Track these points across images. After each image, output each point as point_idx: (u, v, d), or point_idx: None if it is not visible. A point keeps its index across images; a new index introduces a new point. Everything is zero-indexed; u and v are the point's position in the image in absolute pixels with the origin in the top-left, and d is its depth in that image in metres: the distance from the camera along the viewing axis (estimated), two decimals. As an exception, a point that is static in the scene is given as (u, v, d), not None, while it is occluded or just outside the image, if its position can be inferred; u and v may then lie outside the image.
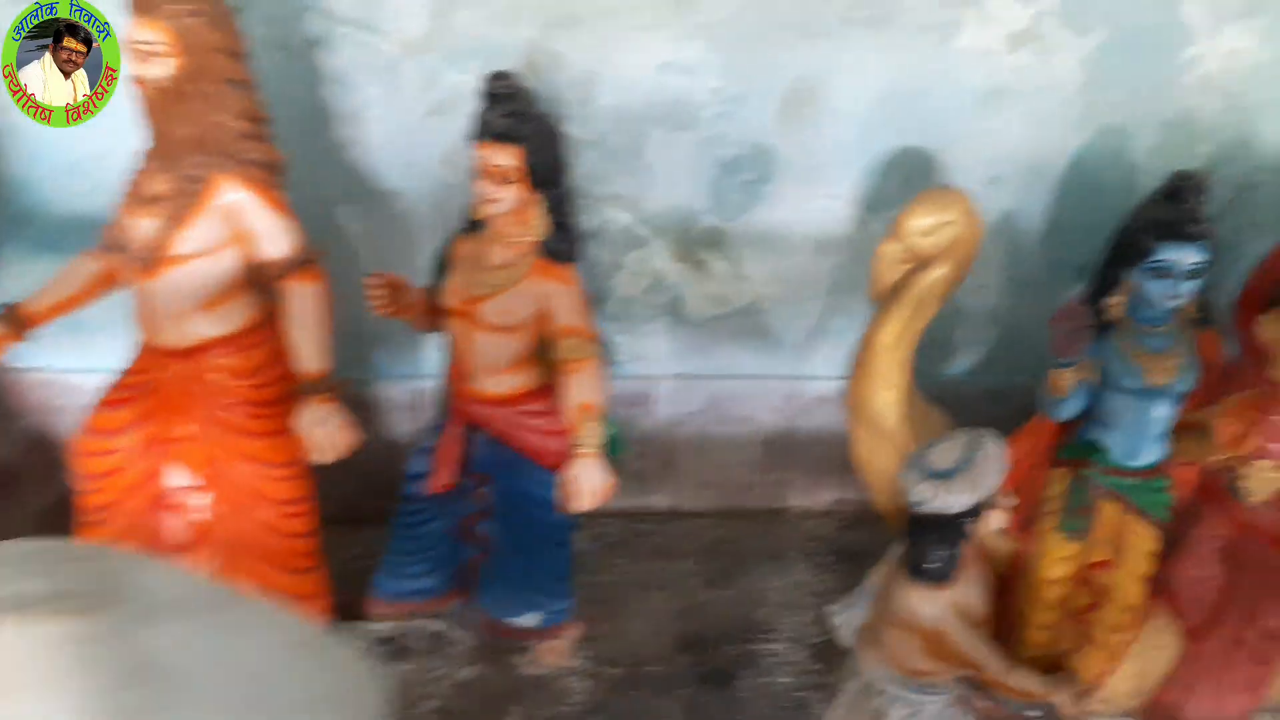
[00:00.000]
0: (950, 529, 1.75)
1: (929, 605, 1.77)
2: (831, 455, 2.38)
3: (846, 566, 2.39)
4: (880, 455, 2.03)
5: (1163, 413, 1.92)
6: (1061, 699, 1.89)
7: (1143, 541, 1.95)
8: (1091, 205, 2.38)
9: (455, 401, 1.91)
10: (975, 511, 1.73)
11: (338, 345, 2.25)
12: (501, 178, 1.68)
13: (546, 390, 1.89)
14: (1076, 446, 2.00)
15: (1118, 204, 2.35)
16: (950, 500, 1.71)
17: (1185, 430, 1.97)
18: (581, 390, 1.81)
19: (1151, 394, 1.90)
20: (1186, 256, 1.79)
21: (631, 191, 2.20)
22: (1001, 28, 2.14)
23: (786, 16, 2.06)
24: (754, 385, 2.47)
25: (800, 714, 2.01)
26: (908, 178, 2.29)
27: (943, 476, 1.71)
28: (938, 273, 1.90)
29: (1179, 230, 1.78)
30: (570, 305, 1.79)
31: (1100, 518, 1.97)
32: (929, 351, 2.52)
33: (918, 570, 1.78)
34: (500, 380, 1.86)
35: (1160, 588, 2.01)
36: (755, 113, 2.16)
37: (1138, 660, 2.03)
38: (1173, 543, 2.03)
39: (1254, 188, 2.42)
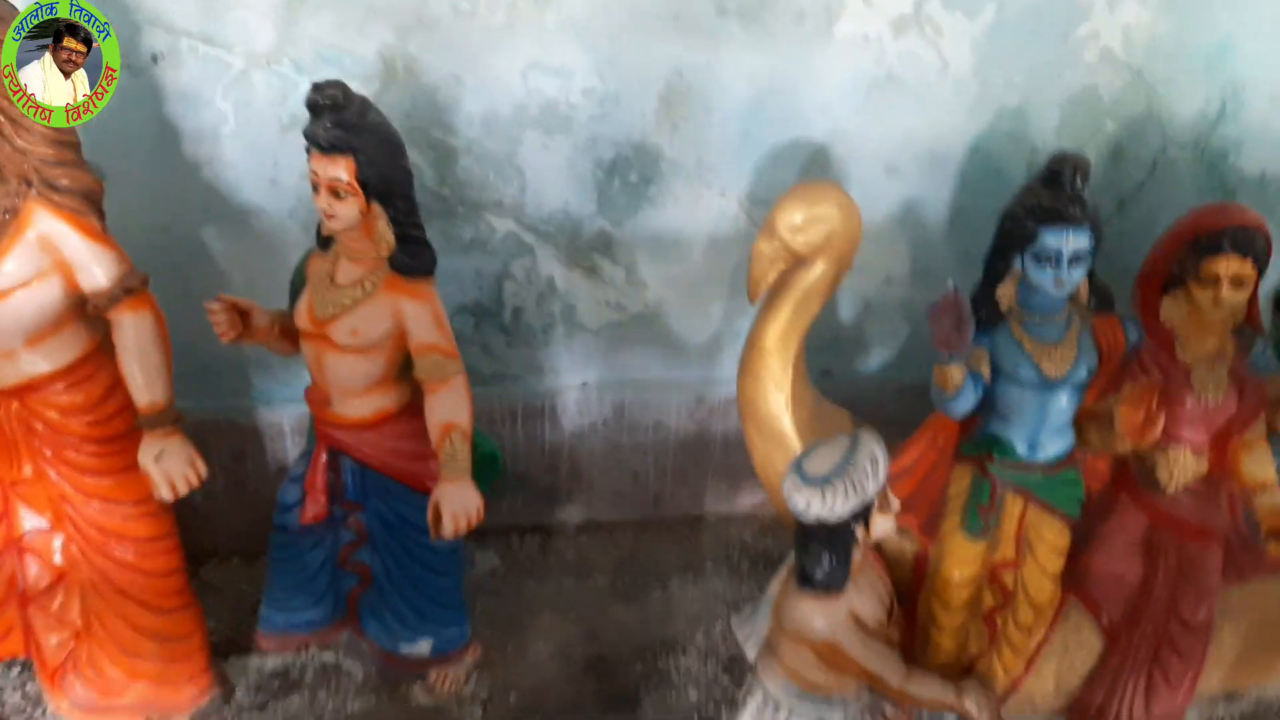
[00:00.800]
0: (836, 536, 1.66)
1: (819, 616, 1.69)
2: (748, 459, 2.31)
3: (765, 573, 2.30)
4: (775, 459, 1.95)
5: (1062, 404, 1.85)
6: (969, 706, 1.81)
7: (1051, 537, 1.87)
8: (995, 191, 2.28)
9: (318, 427, 1.83)
10: (860, 516, 1.65)
11: (221, 372, 2.18)
12: (335, 191, 1.60)
13: (413, 410, 1.81)
14: (978, 442, 1.92)
15: (1018, 183, 2.28)
16: (830, 507, 1.63)
17: (1090, 420, 1.90)
18: (444, 410, 1.73)
19: (1048, 385, 1.83)
20: (1069, 241, 1.71)
21: (512, 198, 2.12)
22: (883, 14, 2.06)
23: (656, 10, 1.98)
24: (662, 391, 2.40)
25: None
26: (801, 172, 2.21)
27: (821, 483, 1.63)
28: (817, 270, 1.82)
29: (1059, 214, 1.71)
30: (426, 321, 1.71)
31: (1005, 514, 1.89)
32: (839, 349, 2.47)
33: (806, 580, 1.70)
34: (360, 403, 1.78)
35: (1075, 584, 1.93)
36: (632, 112, 2.08)
37: (1056, 660, 1.95)
38: (1087, 537, 1.95)
39: (1169, 164, 2.35)
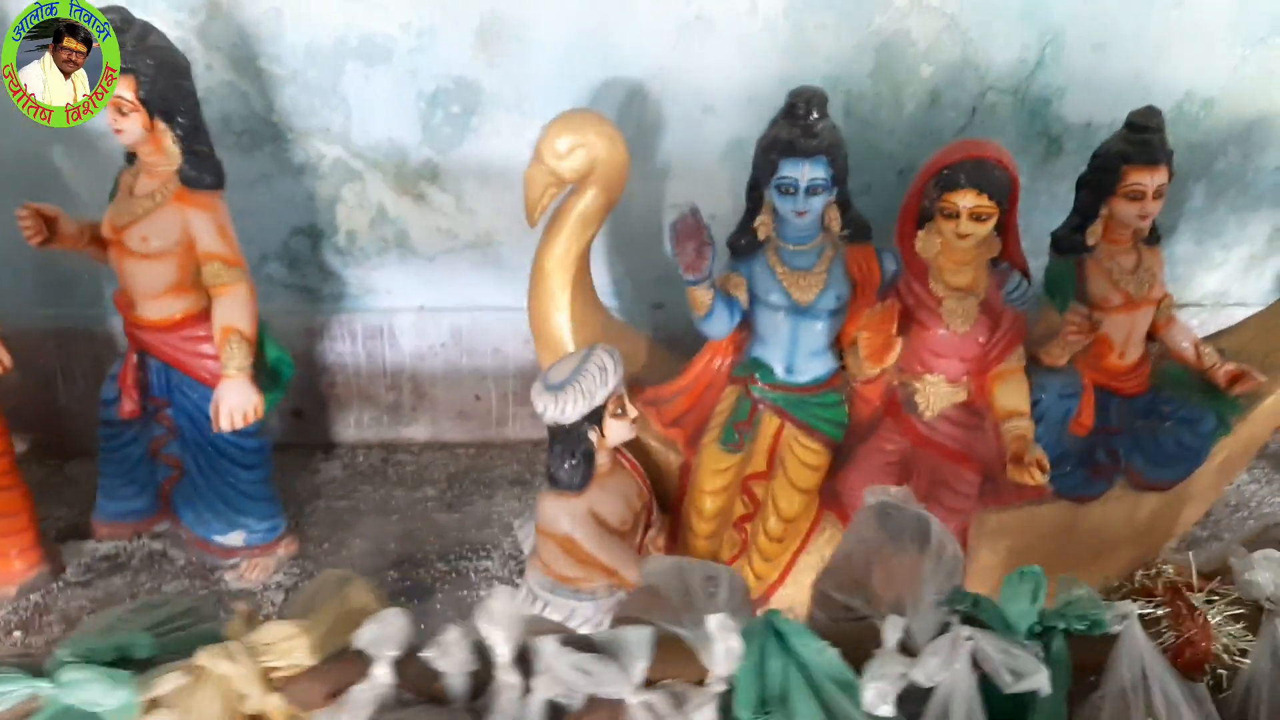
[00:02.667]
0: (572, 438, 1.80)
1: (562, 512, 1.83)
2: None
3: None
4: (561, 377, 2.07)
5: (815, 329, 1.96)
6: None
7: (803, 454, 1.98)
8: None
9: (127, 329, 2.00)
10: (592, 420, 1.78)
11: (80, 283, 2.36)
12: (119, 107, 1.74)
13: (210, 314, 1.96)
14: (745, 364, 2.04)
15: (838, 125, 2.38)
16: (561, 410, 1.76)
17: (849, 346, 2.01)
18: (225, 314, 1.89)
19: (798, 310, 1.94)
20: (805, 171, 1.81)
21: (339, 125, 2.26)
22: (687, -46, 2.16)
23: (466, -54, 2.10)
24: (499, 317, 2.53)
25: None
26: (619, 108, 2.32)
27: (555, 388, 1.77)
28: (587, 197, 1.93)
29: (795, 146, 1.80)
30: (209, 230, 1.86)
31: (761, 431, 2.01)
32: (672, 283, 2.57)
33: (551, 479, 1.85)
34: (159, 305, 1.94)
35: (831, 499, 2.05)
36: (450, 45, 2.20)
37: (813, 572, 2.07)
38: (849, 457, 2.07)
39: (989, 110, 2.42)
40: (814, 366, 2.00)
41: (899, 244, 1.99)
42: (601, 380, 1.76)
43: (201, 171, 1.84)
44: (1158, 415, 2.17)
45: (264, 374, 1.99)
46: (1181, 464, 2.16)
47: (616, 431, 1.81)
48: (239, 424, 1.88)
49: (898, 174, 2.44)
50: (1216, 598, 1.12)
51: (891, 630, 0.96)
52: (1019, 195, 1.91)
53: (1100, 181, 2.00)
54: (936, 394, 2.02)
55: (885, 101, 2.38)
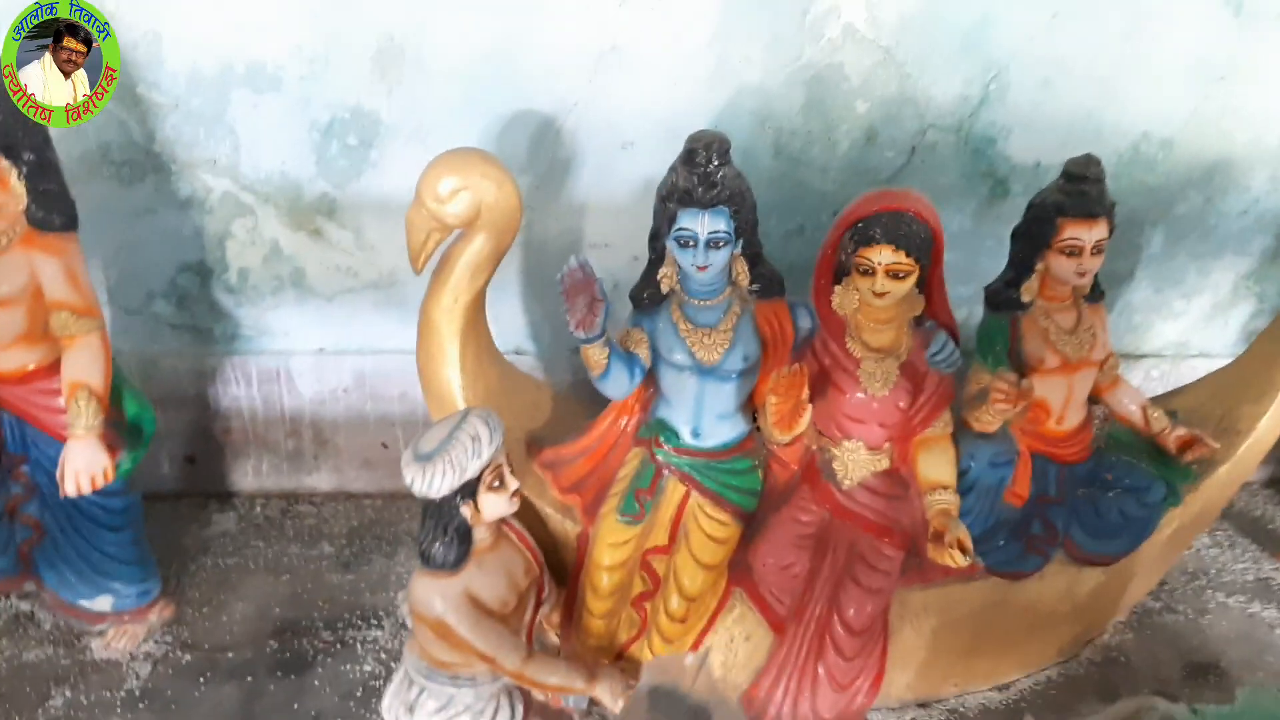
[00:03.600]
0: (443, 513, 1.64)
1: (433, 594, 1.67)
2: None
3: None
4: (454, 436, 1.91)
5: (722, 391, 1.80)
6: (602, 693, 1.78)
7: (709, 526, 1.83)
8: (743, 166, 2.19)
9: (-24, 379, 1.84)
10: (465, 495, 1.62)
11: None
12: (-43, 147, 1.59)
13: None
14: (650, 425, 1.88)
15: (767, 166, 2.24)
16: (429, 484, 1.60)
17: (761, 409, 1.85)
18: (72, 368, 1.73)
19: (702, 370, 1.78)
20: (704, 223, 1.66)
21: (226, 157, 2.10)
22: (601, -20, 2.00)
23: (360, -34, 1.95)
24: (405, 361, 2.30)
25: (364, 704, 1.92)
26: (531, 142, 2.17)
27: (422, 460, 1.61)
28: (476, 243, 1.77)
29: (692, 196, 1.65)
30: (57, 276, 1.71)
31: (664, 500, 1.85)
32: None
33: (423, 557, 1.69)
34: (8, 357, 1.78)
35: (740, 575, 1.89)
36: (345, 73, 2.04)
37: (722, 652, 1.91)
38: (761, 527, 1.91)
39: (929, 149, 2.27)
40: (723, 430, 1.84)
41: (815, 300, 1.84)
42: (474, 451, 1.60)
43: (50, 212, 1.69)
44: (1100, 484, 2.01)
45: (124, 431, 1.83)
46: (1125, 536, 2.01)
47: (493, 507, 1.65)
48: (85, 489, 1.73)
49: (831, 215, 2.23)
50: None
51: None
52: (943, 250, 1.76)
53: (1035, 234, 1.84)
54: (855, 461, 1.86)
55: (818, 139, 2.23)
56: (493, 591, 1.70)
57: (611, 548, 1.83)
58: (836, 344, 1.82)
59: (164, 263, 2.20)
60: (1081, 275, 1.83)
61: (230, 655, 2.01)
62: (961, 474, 1.89)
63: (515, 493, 1.66)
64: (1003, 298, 1.91)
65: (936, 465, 1.83)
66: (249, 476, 2.44)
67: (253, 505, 2.43)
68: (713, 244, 1.67)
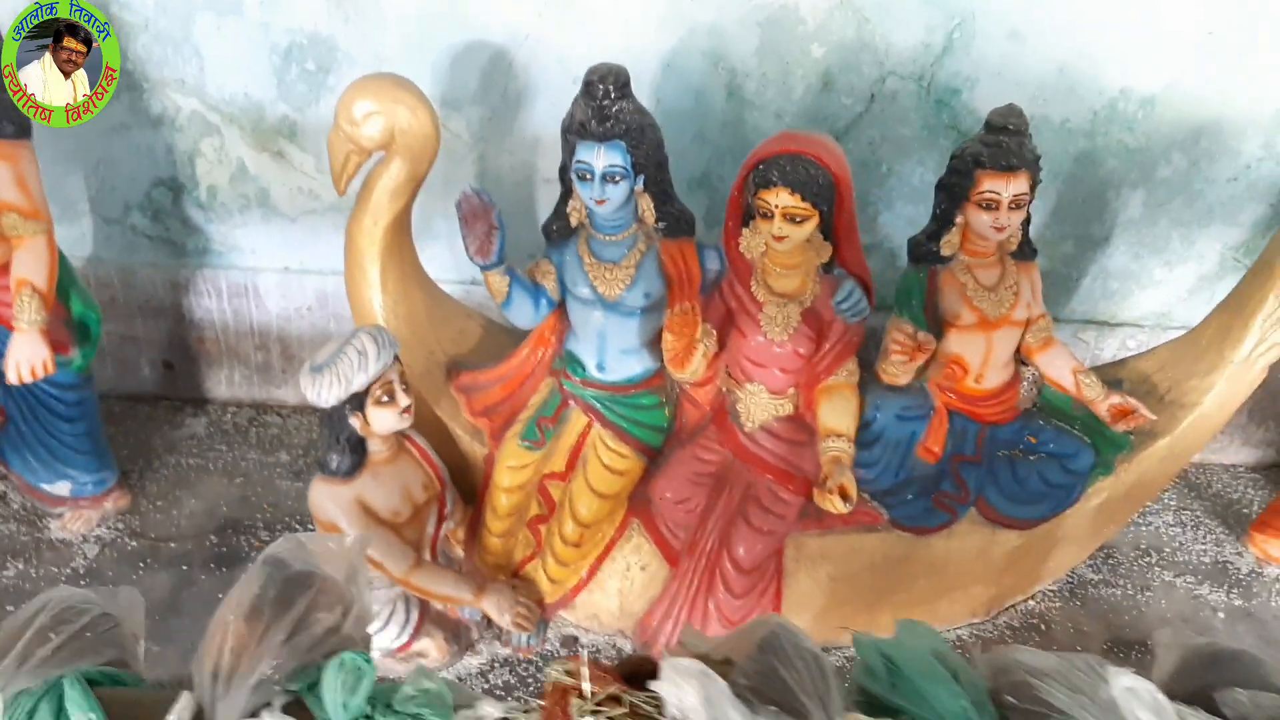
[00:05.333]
0: (335, 423, 1.73)
1: (326, 498, 1.77)
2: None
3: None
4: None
5: (625, 326, 1.83)
6: (488, 606, 1.86)
7: (608, 457, 1.87)
8: (695, 113, 2.24)
9: (-54, 275, 1.99)
10: (353, 406, 1.70)
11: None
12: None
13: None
14: (562, 356, 1.93)
15: (720, 109, 2.23)
16: (317, 394, 1.69)
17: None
18: (20, 267, 1.86)
19: (605, 305, 1.82)
20: (599, 157, 1.68)
21: (193, 77, 2.20)
22: (548, -85, 2.01)
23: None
24: (368, 284, 2.45)
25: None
26: (482, 74, 2.20)
27: (312, 371, 1.69)
28: (393, 168, 1.83)
29: (587, 129, 1.67)
30: (7, 180, 1.82)
31: (567, 429, 1.90)
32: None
33: (319, 463, 1.78)
34: (-31, 254, 1.92)
35: (639, 506, 1.93)
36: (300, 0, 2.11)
37: (619, 579, 1.96)
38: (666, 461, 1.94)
39: (890, 97, 2.22)
40: (628, 365, 1.87)
41: (725, 242, 1.84)
42: (360, 365, 1.67)
43: (1, 120, 1.80)
44: (1024, 447, 1.97)
45: (72, 328, 1.96)
46: (1045, 502, 1.97)
47: (382, 420, 1.72)
48: (26, 377, 1.86)
49: (784, 161, 2.26)
50: (617, 708, 0.87)
51: (181, 708, 0.81)
52: (849, 197, 1.74)
53: (954, 186, 1.80)
54: (757, 405, 1.88)
55: (772, 82, 2.20)
56: (385, 501, 1.79)
57: (510, 470, 1.89)
58: (742, 287, 1.83)
59: (139, 177, 2.32)
60: (1000, 230, 1.78)
61: (173, 545, 2.16)
62: (866, 424, 1.89)
63: (406, 409, 1.73)
64: (923, 250, 1.87)
65: (836, 413, 1.83)
66: (222, 385, 2.58)
67: (224, 412, 2.56)
68: (609, 178, 1.68)
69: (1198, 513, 2.51)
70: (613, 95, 1.66)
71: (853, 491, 1.73)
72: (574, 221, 1.81)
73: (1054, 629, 2.12)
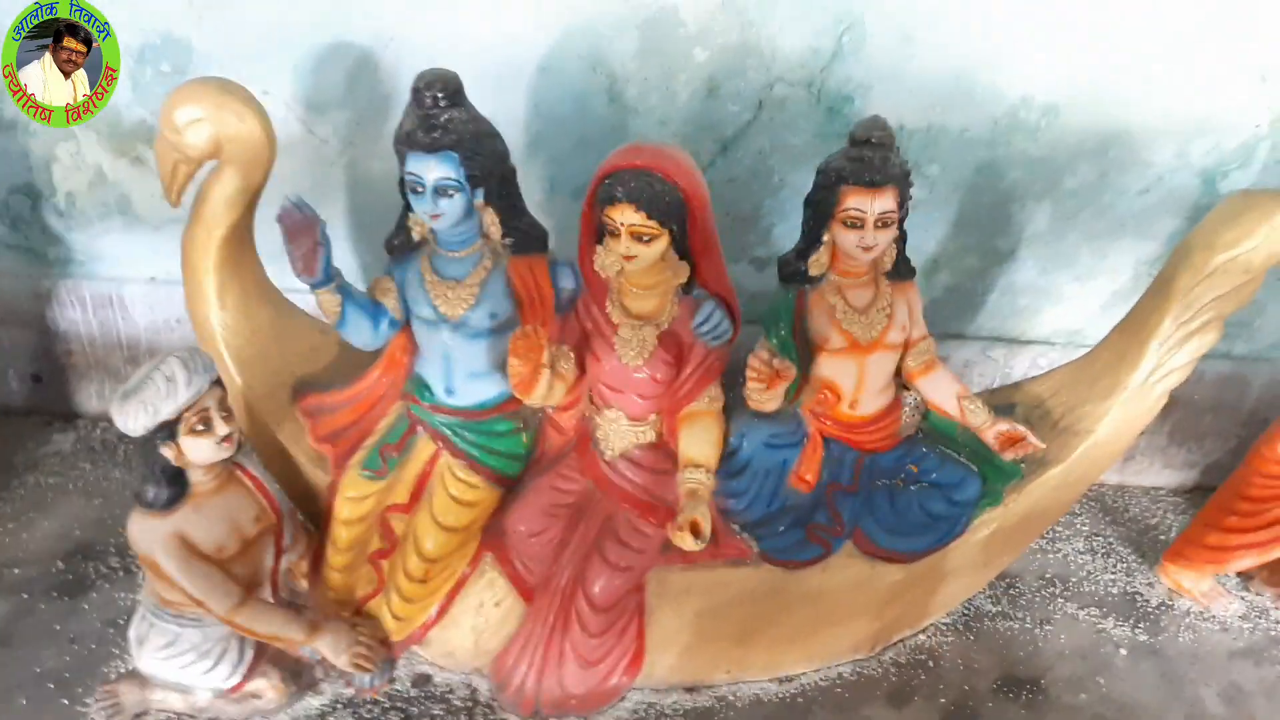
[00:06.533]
0: (147, 453, 1.62)
1: (143, 531, 1.66)
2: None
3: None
4: (225, 381, 1.86)
5: (472, 348, 1.72)
6: (323, 646, 1.75)
7: (456, 488, 1.76)
8: (576, 118, 2.13)
9: None
10: (165, 436, 1.59)
11: None
12: None
13: None
14: (411, 379, 1.81)
15: (601, 115, 2.12)
16: (124, 422, 1.58)
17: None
18: None
19: (448, 325, 1.70)
20: (430, 169, 1.56)
21: (41, 79, 2.07)
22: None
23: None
24: (242, 296, 2.33)
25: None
26: (348, 76, 2.09)
27: (121, 398, 1.58)
28: (224, 179, 1.71)
29: (414, 139, 1.55)
30: None
31: (413, 457, 1.79)
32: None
33: (136, 495, 1.67)
34: None
35: (491, 539, 1.82)
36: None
37: (473, 616, 1.85)
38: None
39: (779, 104, 2.11)
40: (478, 389, 1.76)
41: (580, 259, 1.73)
42: (168, 392, 1.56)
43: None
44: (905, 476, 1.87)
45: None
46: (928, 534, 1.86)
47: (198, 450, 1.61)
48: None
49: (670, 171, 2.15)
50: None
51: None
52: (703, 215, 1.62)
53: (820, 202, 1.69)
54: (616, 432, 1.77)
55: (655, 87, 2.09)
56: (209, 535, 1.67)
57: (350, 502, 1.78)
58: (598, 307, 1.72)
59: (-6, 182, 2.21)
60: (867, 250, 1.67)
61: (16, 571, 2.04)
62: (732, 453, 1.78)
63: (226, 438, 1.62)
64: (790, 270, 1.76)
65: (696, 442, 1.72)
66: (93, 399, 2.47)
67: (94, 428, 2.45)
68: (442, 191, 1.57)
69: (1111, 539, 2.41)
70: (441, 103, 1.55)
71: (705, 528, 1.62)
72: (416, 236, 1.70)
73: (943, 665, 2.02)
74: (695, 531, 1.61)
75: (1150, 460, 2.56)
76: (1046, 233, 2.27)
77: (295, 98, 2.11)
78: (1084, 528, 2.44)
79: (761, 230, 2.24)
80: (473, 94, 2.06)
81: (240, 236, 1.80)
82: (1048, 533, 2.37)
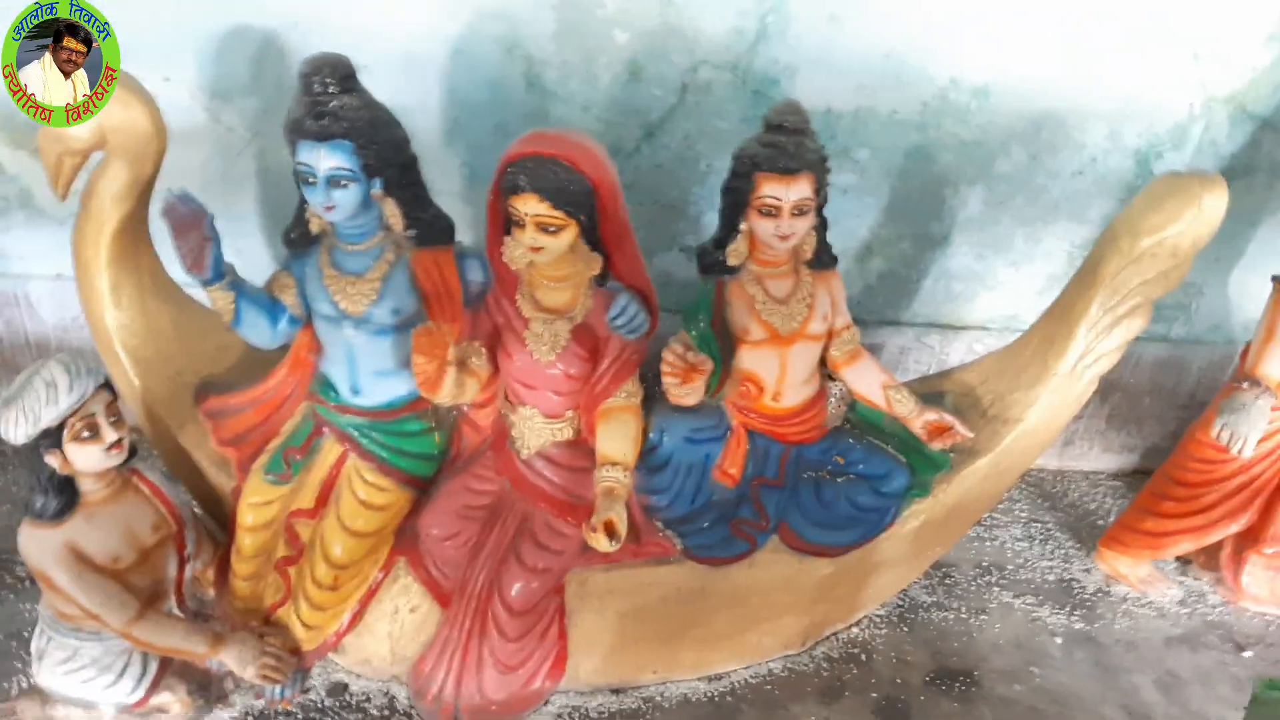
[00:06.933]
0: (32, 462, 1.54)
1: (32, 543, 1.58)
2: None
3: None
4: (123, 384, 1.79)
5: (376, 346, 1.65)
6: (229, 657, 1.68)
7: (365, 491, 1.69)
8: (493, 103, 2.05)
9: None
10: (49, 443, 1.51)
11: None
12: None
13: None
14: (316, 379, 1.74)
15: (519, 100, 2.05)
16: (5, 429, 1.50)
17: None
18: None
19: (349, 322, 1.63)
20: (322, 159, 1.49)
21: (-72, 67, 1.97)
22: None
23: None
24: (154, 292, 2.25)
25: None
26: (253, 61, 2.01)
27: (4, 405, 1.50)
28: (111, 172, 1.63)
29: (303, 127, 1.48)
30: None
31: (319, 460, 1.72)
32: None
33: (26, 505, 1.59)
34: None
35: (404, 544, 1.75)
36: (40, -21, 1.89)
37: (388, 622, 1.79)
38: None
39: (704, 87, 2.05)
40: (386, 387, 1.69)
41: (489, 251, 1.66)
42: (49, 399, 1.48)
43: None
44: (831, 468, 1.82)
45: None
46: (855, 528, 1.83)
47: (85, 458, 1.53)
48: None
49: (593, 157, 2.08)
50: None
51: None
52: (613, 204, 1.56)
53: (736, 190, 1.63)
54: (531, 430, 1.71)
55: (575, 71, 2.02)
56: (103, 546, 1.60)
57: (254, 508, 1.70)
58: (508, 301, 1.65)
59: (-116, 177, 2.11)
60: (784, 238, 1.62)
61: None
62: (652, 449, 1.73)
63: (115, 444, 1.54)
64: (709, 260, 1.71)
65: (614, 438, 1.67)
66: (2, 402, 2.36)
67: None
68: (335, 182, 1.50)
69: (1049, 525, 2.39)
70: (331, 89, 1.47)
71: (621, 528, 1.56)
72: (315, 229, 1.63)
73: (875, 659, 1.98)
74: (610, 532, 1.55)
75: (1089, 444, 2.54)
76: (980, 217, 2.23)
77: (200, 85, 2.02)
78: (1022, 514, 2.42)
79: (690, 218, 2.18)
80: (384, 79, 2.00)
81: (134, 231, 1.71)
82: (985, 519, 2.35)
